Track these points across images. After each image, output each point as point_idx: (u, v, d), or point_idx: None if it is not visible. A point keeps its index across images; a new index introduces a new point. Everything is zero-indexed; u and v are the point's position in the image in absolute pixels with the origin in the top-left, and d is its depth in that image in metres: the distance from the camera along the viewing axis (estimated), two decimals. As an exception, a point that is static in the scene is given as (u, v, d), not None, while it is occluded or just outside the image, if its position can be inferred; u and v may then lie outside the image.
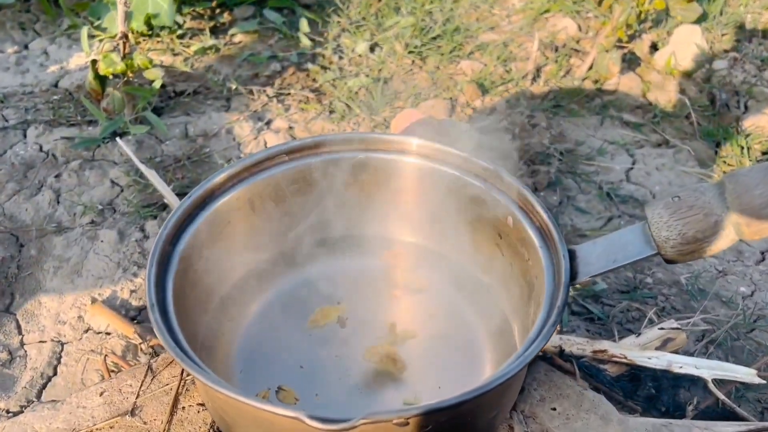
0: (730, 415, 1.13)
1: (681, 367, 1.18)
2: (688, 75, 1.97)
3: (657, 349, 1.20)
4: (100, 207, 1.48)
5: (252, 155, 0.97)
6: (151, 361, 0.90)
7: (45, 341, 1.24)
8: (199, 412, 0.84)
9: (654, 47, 2.06)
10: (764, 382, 1.18)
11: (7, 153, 1.62)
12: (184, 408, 0.84)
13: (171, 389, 0.86)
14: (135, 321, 1.26)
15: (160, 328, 0.75)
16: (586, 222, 1.53)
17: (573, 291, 1.36)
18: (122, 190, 1.52)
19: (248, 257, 1.03)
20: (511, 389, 0.83)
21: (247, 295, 1.03)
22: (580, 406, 0.85)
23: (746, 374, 1.19)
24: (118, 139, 1.39)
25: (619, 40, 1.93)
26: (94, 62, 1.50)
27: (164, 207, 1.47)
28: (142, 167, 1.38)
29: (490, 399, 0.76)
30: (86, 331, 1.26)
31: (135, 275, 1.35)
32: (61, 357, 1.22)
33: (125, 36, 1.49)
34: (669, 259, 0.74)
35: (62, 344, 1.23)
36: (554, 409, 0.84)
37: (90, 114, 1.70)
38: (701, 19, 2.10)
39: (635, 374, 1.19)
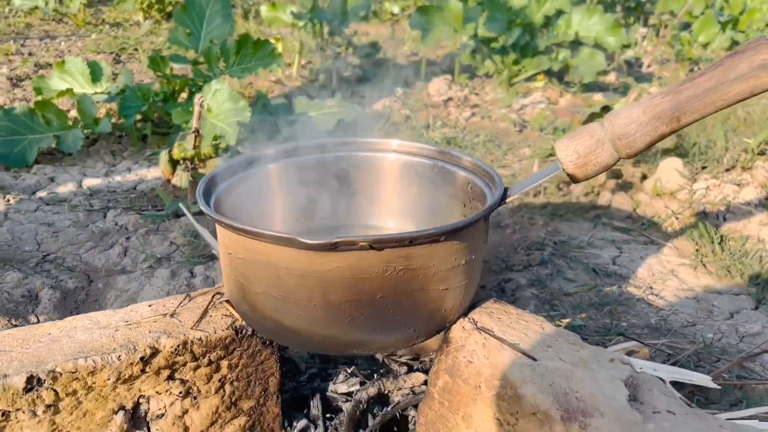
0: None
1: (641, 368, 1.33)
2: (672, 195, 2.25)
3: (622, 358, 1.36)
4: (158, 257, 1.78)
5: (284, 144, 1.28)
6: (189, 291, 1.14)
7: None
8: (222, 317, 1.06)
9: (644, 177, 2.38)
10: (719, 387, 1.31)
11: (89, 226, 1.97)
12: (211, 316, 1.06)
13: (203, 305, 1.08)
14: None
15: (200, 195, 1.03)
16: (572, 287, 1.74)
17: (555, 327, 1.55)
18: (178, 248, 1.83)
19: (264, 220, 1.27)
20: (460, 256, 0.97)
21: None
22: (520, 318, 1.02)
23: (701, 379, 1.33)
24: (180, 204, 1.73)
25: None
26: (169, 150, 1.90)
27: (212, 257, 1.76)
28: (197, 225, 1.69)
29: (440, 251, 0.94)
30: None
31: (180, 302, 1.60)
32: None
33: (197, 131, 1.89)
34: (571, 173, 0.98)
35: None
36: (500, 318, 1.02)
37: (160, 204, 2.07)
38: (683, 154, 2.43)
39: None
